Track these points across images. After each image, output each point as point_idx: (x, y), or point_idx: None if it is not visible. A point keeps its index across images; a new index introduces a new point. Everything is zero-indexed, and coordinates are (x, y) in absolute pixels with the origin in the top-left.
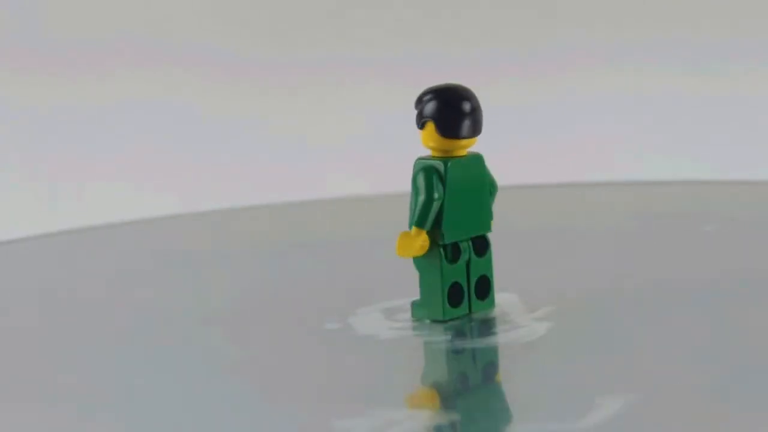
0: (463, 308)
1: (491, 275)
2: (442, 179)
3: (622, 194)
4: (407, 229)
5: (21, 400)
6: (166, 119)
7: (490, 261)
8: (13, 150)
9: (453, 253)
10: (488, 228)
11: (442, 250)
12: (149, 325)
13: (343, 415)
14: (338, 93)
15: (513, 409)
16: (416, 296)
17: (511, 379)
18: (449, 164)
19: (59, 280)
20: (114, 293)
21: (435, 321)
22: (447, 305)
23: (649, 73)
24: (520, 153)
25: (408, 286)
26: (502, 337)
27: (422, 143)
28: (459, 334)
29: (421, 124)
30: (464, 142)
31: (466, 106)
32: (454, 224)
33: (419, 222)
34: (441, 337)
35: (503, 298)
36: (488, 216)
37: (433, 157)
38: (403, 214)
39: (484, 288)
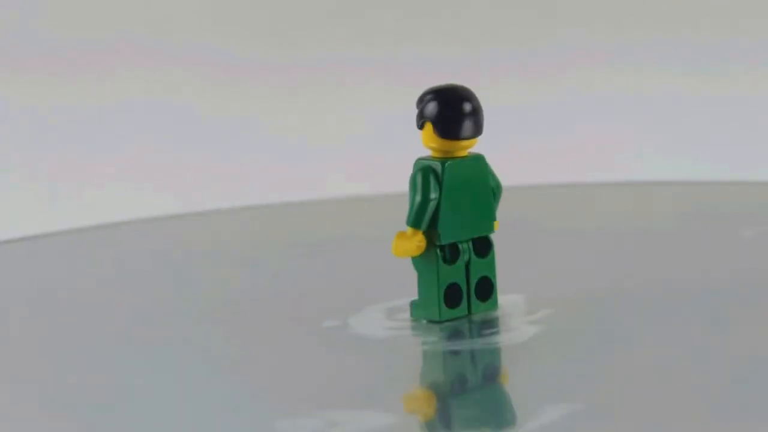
0: (461, 309)
1: (494, 277)
2: (439, 180)
3: (622, 194)
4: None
5: (21, 401)
6: (166, 119)
7: (492, 262)
8: (13, 150)
9: (451, 253)
10: (490, 229)
11: (438, 250)
12: (149, 325)
13: (289, 415)
14: (338, 93)
15: (456, 413)
16: (416, 296)
17: (472, 383)
18: (447, 165)
19: (59, 280)
20: (114, 293)
21: (432, 322)
22: (444, 306)
23: (649, 73)
24: (520, 153)
25: (409, 285)
26: (486, 340)
27: (423, 144)
28: (448, 335)
29: (420, 125)
30: (464, 143)
31: (465, 107)
32: (451, 225)
33: (414, 222)
34: (429, 338)
35: (507, 299)
36: (490, 217)
37: (433, 158)
38: (403, 215)
39: (486, 289)
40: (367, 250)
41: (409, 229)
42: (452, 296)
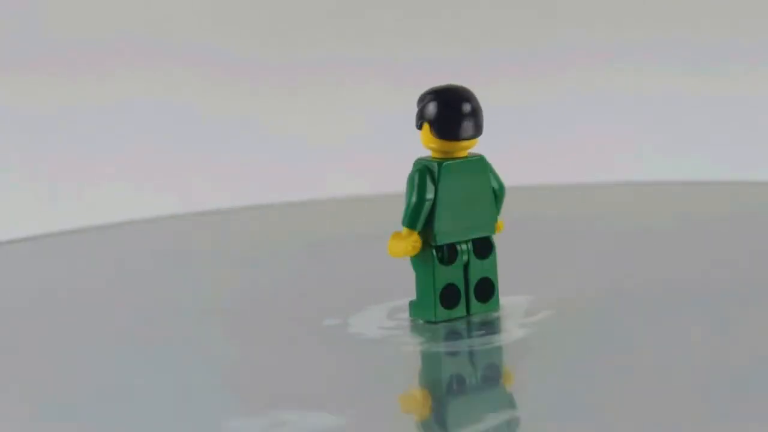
0: (458, 310)
1: (495, 278)
2: (435, 180)
3: (622, 194)
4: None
5: (21, 401)
6: (166, 119)
7: (493, 264)
8: (13, 150)
9: (449, 254)
10: (490, 231)
11: (435, 251)
12: (149, 324)
13: (242, 413)
14: (338, 93)
15: (416, 415)
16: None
17: (439, 385)
18: (443, 166)
19: (59, 280)
20: (114, 293)
21: (428, 322)
22: (440, 307)
23: (649, 73)
24: (521, 153)
25: (411, 285)
26: (470, 342)
27: (422, 144)
28: (435, 336)
29: (419, 125)
30: (463, 143)
31: (463, 108)
32: (447, 226)
33: (409, 223)
34: (417, 339)
35: (507, 301)
36: (490, 219)
37: (432, 158)
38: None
39: (487, 290)
40: (367, 250)
41: (404, 230)
42: (449, 297)
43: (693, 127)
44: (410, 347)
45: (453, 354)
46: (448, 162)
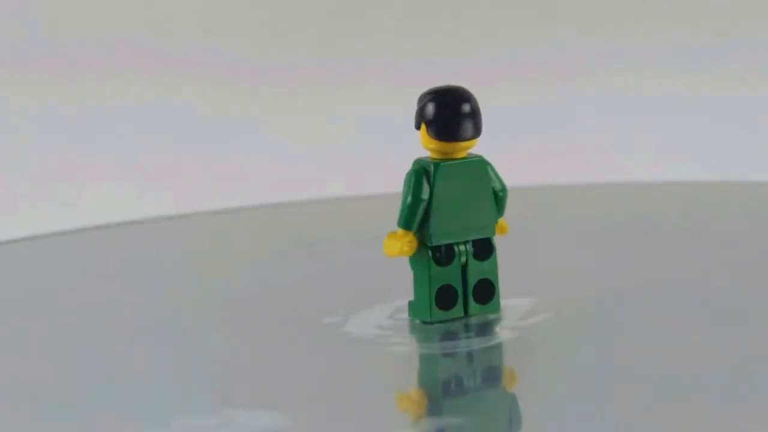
0: (455, 311)
1: (495, 280)
2: (430, 181)
3: (622, 194)
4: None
5: (20, 401)
6: (165, 119)
7: (493, 265)
8: (13, 150)
9: (446, 255)
10: (490, 232)
11: (430, 251)
12: (149, 325)
13: (193, 410)
14: (338, 93)
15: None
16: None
17: (400, 387)
18: (439, 166)
19: (59, 280)
20: (114, 293)
21: (424, 322)
22: (435, 307)
23: (649, 73)
24: (521, 153)
25: (411, 285)
26: (453, 344)
27: (421, 145)
28: (428, 337)
29: (417, 126)
30: (462, 144)
31: (460, 109)
32: (443, 227)
33: (403, 223)
34: (406, 340)
35: (509, 301)
36: (490, 220)
37: (431, 159)
38: None
39: (486, 292)
40: (368, 250)
41: (399, 230)
42: (445, 298)
43: (693, 127)
44: (394, 348)
45: (437, 355)
46: (444, 163)
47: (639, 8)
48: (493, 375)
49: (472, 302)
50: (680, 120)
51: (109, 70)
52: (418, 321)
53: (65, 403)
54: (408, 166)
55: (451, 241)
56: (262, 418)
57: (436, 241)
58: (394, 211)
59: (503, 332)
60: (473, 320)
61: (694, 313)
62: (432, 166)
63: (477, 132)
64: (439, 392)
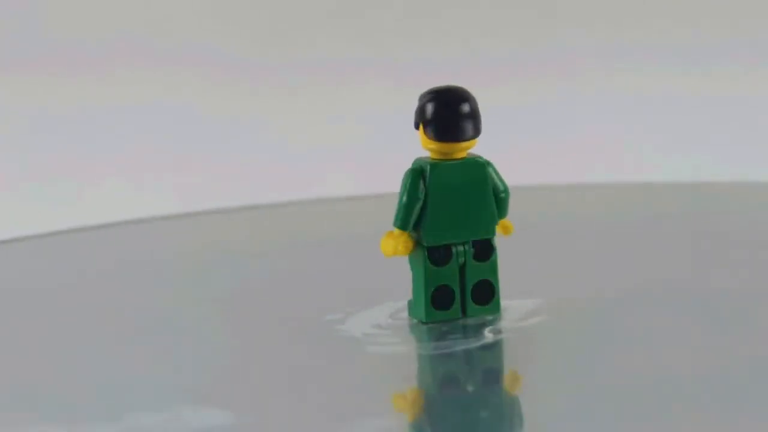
0: (452, 312)
1: (495, 281)
2: (425, 181)
3: (622, 194)
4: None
5: (20, 401)
6: (166, 119)
7: (493, 266)
8: (13, 150)
9: (443, 255)
10: (489, 234)
11: (426, 252)
12: (149, 325)
13: (145, 407)
14: (338, 93)
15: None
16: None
17: (373, 386)
18: (434, 167)
19: (59, 280)
20: (113, 294)
21: (421, 322)
22: (430, 307)
23: (649, 73)
24: (520, 153)
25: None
26: (444, 344)
27: (421, 145)
28: (421, 338)
29: (416, 125)
30: (461, 144)
31: (456, 109)
32: (438, 227)
33: (398, 222)
34: (390, 339)
35: (508, 302)
36: (489, 221)
37: (431, 159)
38: None
39: (485, 293)
40: (368, 250)
41: (395, 230)
42: (441, 298)
43: (693, 127)
44: (382, 347)
45: (425, 356)
46: (440, 163)
47: (639, 8)
48: (491, 375)
49: (471, 303)
50: (680, 120)
51: (109, 70)
52: (416, 321)
53: (63, 402)
54: (408, 166)
55: (448, 241)
56: (210, 416)
57: (431, 242)
58: (393, 211)
59: (496, 332)
60: (471, 321)
61: (694, 313)
62: (428, 167)
63: (476, 132)
64: (426, 392)
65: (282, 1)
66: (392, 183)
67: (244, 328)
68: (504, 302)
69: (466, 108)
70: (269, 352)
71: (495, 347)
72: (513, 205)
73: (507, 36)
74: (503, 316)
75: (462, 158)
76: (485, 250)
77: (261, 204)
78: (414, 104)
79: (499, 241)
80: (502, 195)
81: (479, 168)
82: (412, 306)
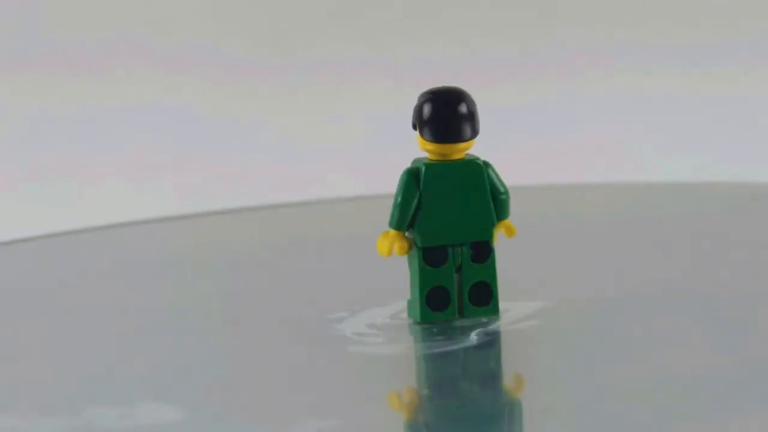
0: (447, 313)
1: (493, 283)
2: (419, 182)
3: (622, 194)
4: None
5: (20, 401)
6: (165, 119)
7: (491, 268)
8: (13, 150)
9: (439, 256)
10: (486, 235)
11: (421, 252)
12: (149, 325)
13: (100, 403)
14: (338, 93)
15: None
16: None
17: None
18: (427, 168)
19: (59, 280)
20: (113, 294)
21: (417, 323)
22: (425, 308)
23: (649, 73)
24: (520, 153)
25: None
26: (431, 345)
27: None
28: (413, 338)
29: (414, 126)
30: (458, 145)
31: (450, 110)
32: (432, 228)
33: (392, 223)
34: (377, 340)
35: (507, 302)
36: (486, 223)
37: (428, 160)
38: None
39: (483, 295)
40: (368, 251)
41: (391, 230)
42: (436, 299)
43: (693, 127)
44: (360, 347)
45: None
46: (435, 164)
47: (639, 8)
48: (489, 376)
49: (468, 305)
50: (680, 120)
51: (109, 70)
52: (411, 321)
53: (65, 401)
54: (407, 166)
55: (443, 243)
56: (160, 412)
57: (424, 243)
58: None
59: (481, 336)
60: (465, 323)
61: (694, 313)
62: (423, 167)
63: (473, 133)
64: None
65: (282, 1)
66: (392, 183)
67: (242, 328)
68: (503, 303)
69: (461, 109)
70: (262, 352)
71: (485, 349)
72: (513, 204)
73: (507, 36)
74: (503, 315)
75: (459, 159)
76: (483, 252)
77: (261, 204)
78: (414, 104)
79: (500, 240)
80: (503, 197)
81: (476, 169)
82: (410, 306)
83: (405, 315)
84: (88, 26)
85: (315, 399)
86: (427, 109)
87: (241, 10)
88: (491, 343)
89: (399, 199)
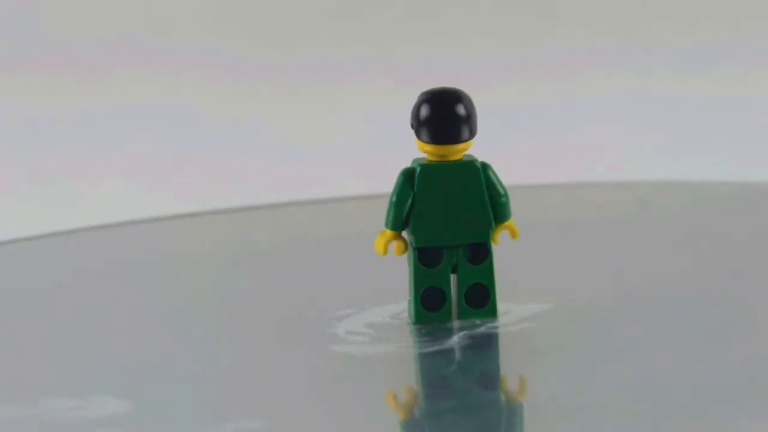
0: (441, 314)
1: (491, 285)
2: (413, 182)
3: (622, 194)
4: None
5: (19, 401)
6: (165, 119)
7: (488, 270)
8: (13, 150)
9: (435, 257)
10: (483, 237)
11: (416, 253)
12: (148, 325)
13: (59, 394)
14: (338, 93)
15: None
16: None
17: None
18: (425, 168)
19: (59, 280)
20: (113, 294)
21: (413, 323)
22: (420, 308)
23: (649, 73)
24: (520, 153)
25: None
26: (402, 347)
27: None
28: (390, 338)
29: (411, 127)
30: (456, 146)
31: (446, 112)
32: (427, 228)
33: (388, 222)
34: (362, 339)
35: (506, 303)
36: (484, 225)
37: (427, 160)
38: None
39: (480, 297)
40: (369, 251)
41: (387, 229)
42: (432, 300)
43: (693, 127)
44: (342, 346)
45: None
46: (431, 165)
47: (639, 8)
48: (487, 377)
49: (465, 306)
50: (680, 120)
51: (109, 69)
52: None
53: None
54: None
55: (438, 243)
56: (105, 406)
57: (419, 243)
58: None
59: (463, 339)
60: (458, 324)
61: (693, 313)
62: (418, 168)
63: (470, 134)
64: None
65: (282, 1)
66: (392, 183)
67: (234, 327)
68: (503, 304)
69: (457, 110)
70: (243, 350)
71: (510, 345)
72: (513, 204)
73: (507, 36)
74: (502, 315)
75: (457, 160)
76: (480, 254)
77: (261, 204)
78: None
79: (499, 240)
80: (502, 199)
81: (472, 170)
82: (409, 306)
83: (406, 315)
84: (88, 26)
85: (261, 396)
86: (423, 111)
87: (241, 10)
88: (473, 345)
89: (393, 199)
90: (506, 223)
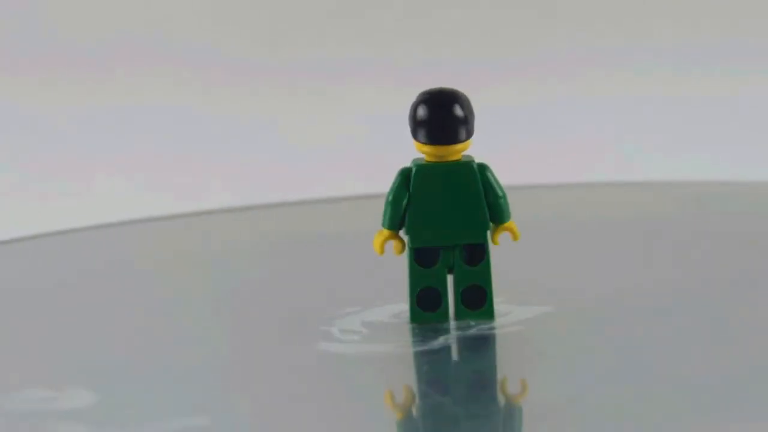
0: (438, 315)
1: (488, 286)
2: (409, 182)
3: (622, 194)
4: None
5: (19, 401)
6: (166, 119)
7: (485, 271)
8: (13, 150)
9: (431, 257)
10: (479, 238)
11: (413, 253)
12: (147, 325)
13: (34, 385)
14: (338, 93)
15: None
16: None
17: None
18: (421, 168)
19: (59, 280)
20: (113, 294)
21: (410, 323)
22: (416, 308)
23: (648, 73)
24: (520, 153)
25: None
26: (391, 347)
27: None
28: (381, 339)
29: (409, 127)
30: (454, 147)
31: (441, 112)
32: (423, 228)
33: (384, 222)
34: (352, 338)
35: (505, 303)
36: (480, 226)
37: (425, 161)
38: None
39: (477, 298)
40: (369, 250)
41: (384, 229)
42: (428, 300)
43: (693, 127)
44: (329, 344)
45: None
46: (427, 165)
47: (639, 8)
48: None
49: (461, 307)
50: (680, 120)
51: (109, 69)
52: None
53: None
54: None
55: (434, 244)
56: (74, 399)
57: (414, 243)
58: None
59: (448, 339)
60: (461, 323)
61: (694, 313)
62: (414, 168)
63: (467, 135)
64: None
65: (282, 1)
66: (391, 183)
67: (229, 326)
68: (503, 305)
69: (453, 111)
70: (232, 348)
71: (509, 345)
72: (513, 204)
73: (507, 36)
74: (500, 315)
75: (454, 161)
76: (477, 255)
77: (261, 204)
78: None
79: (500, 240)
80: (500, 201)
81: (468, 171)
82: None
83: (407, 315)
84: (88, 26)
85: (248, 393)
86: (419, 111)
87: (241, 10)
88: (469, 346)
89: (389, 198)
90: (507, 225)
